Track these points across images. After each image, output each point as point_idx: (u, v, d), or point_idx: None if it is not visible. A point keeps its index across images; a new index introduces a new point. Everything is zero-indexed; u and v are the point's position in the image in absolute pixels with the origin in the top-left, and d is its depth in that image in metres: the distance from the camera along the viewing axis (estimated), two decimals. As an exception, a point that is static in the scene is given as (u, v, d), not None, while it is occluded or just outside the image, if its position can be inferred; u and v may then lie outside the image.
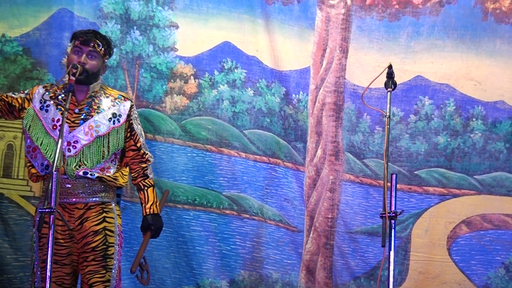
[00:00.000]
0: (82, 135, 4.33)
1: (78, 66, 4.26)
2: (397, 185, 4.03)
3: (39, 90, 4.43)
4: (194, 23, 5.50)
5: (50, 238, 3.82)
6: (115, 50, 5.39)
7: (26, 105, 4.42)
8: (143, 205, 4.53)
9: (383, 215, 3.89)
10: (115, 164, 4.46)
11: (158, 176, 5.45)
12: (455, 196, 5.44)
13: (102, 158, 4.37)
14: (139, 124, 4.58)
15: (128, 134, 4.50)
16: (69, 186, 4.31)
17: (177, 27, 5.52)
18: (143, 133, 4.61)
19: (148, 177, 4.57)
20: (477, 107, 5.44)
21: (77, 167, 4.30)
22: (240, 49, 5.52)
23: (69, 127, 4.32)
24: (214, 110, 5.53)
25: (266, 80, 5.53)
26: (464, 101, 5.45)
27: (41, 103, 4.39)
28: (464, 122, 5.45)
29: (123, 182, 4.49)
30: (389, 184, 3.98)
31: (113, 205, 4.44)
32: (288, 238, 5.53)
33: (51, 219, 3.82)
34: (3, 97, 4.41)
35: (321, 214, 5.50)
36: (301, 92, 5.54)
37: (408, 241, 5.41)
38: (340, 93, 5.52)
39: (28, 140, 4.39)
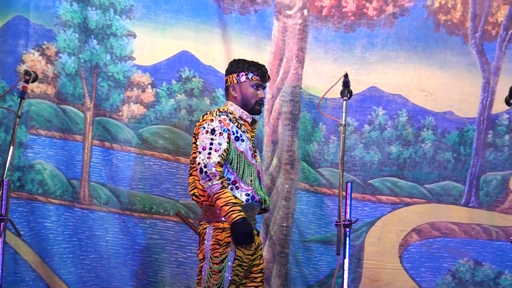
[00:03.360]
0: (259, 166, 4.31)
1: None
2: (352, 194, 3.93)
3: (229, 123, 4.18)
4: (152, 32, 5.34)
5: (1, 246, 3.63)
6: (73, 58, 5.22)
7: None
8: None
9: (338, 223, 3.79)
10: None
11: (115, 185, 5.29)
12: (407, 204, 5.37)
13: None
14: None
15: None
16: (254, 214, 4.25)
17: (134, 36, 5.35)
18: None
19: None
20: (428, 117, 5.39)
21: (269, 200, 4.34)
22: (198, 58, 5.37)
23: (254, 158, 4.26)
24: (172, 119, 5.36)
25: (222, 89, 5.36)
26: (416, 111, 5.39)
27: (233, 134, 4.19)
28: (415, 132, 5.39)
29: None
30: (344, 192, 3.87)
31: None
32: (244, 245, 5.37)
33: (1, 227, 3.61)
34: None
35: (276, 223, 5.38)
36: (257, 102, 5.38)
37: (361, 249, 5.33)
38: (296, 102, 5.41)
39: (228, 173, 4.16)
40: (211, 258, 4.07)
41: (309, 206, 5.37)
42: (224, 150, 4.09)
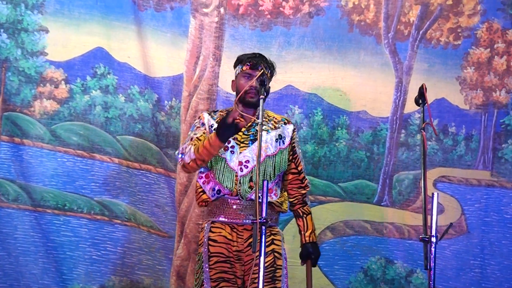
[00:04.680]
0: (253, 155, 4.11)
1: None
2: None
3: (206, 117, 4.23)
4: (65, 27, 5.20)
5: None
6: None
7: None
8: (302, 232, 4.30)
9: (254, 221, 3.75)
10: (278, 187, 4.24)
11: (26, 181, 5.14)
12: (321, 203, 5.37)
13: (270, 179, 4.17)
14: (300, 149, 4.36)
15: (290, 157, 4.27)
16: (238, 207, 4.12)
17: (47, 31, 5.20)
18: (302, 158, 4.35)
19: (306, 204, 4.33)
20: (342, 116, 5.40)
21: (250, 188, 4.10)
22: (112, 55, 5.25)
23: (240, 147, 4.12)
24: (86, 116, 5.24)
25: (138, 86, 5.29)
26: (330, 110, 5.39)
27: (210, 128, 4.17)
28: (330, 131, 5.40)
29: (286, 208, 4.29)
30: (260, 191, 3.83)
31: (278, 228, 4.26)
32: (159, 244, 5.31)
33: None
34: None
35: (192, 221, 5.31)
36: (173, 99, 5.33)
37: (276, 246, 5.29)
38: (213, 100, 5.36)
39: (203, 167, 4.15)
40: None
41: (225, 203, 5.33)
42: (198, 138, 4.12)
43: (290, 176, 4.29)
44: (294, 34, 5.36)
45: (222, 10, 5.35)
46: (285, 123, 4.29)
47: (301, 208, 4.31)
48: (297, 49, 5.37)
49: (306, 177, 4.33)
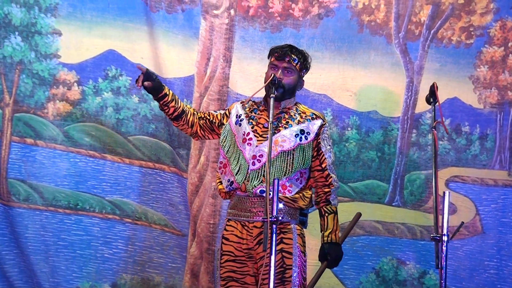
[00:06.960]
0: (267, 149, 4.00)
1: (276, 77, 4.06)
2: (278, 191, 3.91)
3: (236, 106, 4.25)
4: (78, 30, 5.31)
5: None
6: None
7: (224, 121, 4.24)
8: (322, 232, 4.15)
9: (265, 220, 3.78)
10: (299, 184, 4.13)
11: (38, 181, 5.26)
12: (331, 202, 5.37)
13: (284, 175, 4.06)
14: (329, 145, 4.20)
15: (315, 154, 4.15)
16: (249, 204, 4.09)
17: (60, 34, 5.31)
18: (332, 154, 4.22)
19: (330, 203, 4.16)
20: (352, 117, 5.40)
21: (257, 183, 4.05)
22: (125, 56, 5.34)
23: (257, 140, 4.09)
24: (98, 117, 5.34)
25: (152, 87, 5.36)
26: (340, 111, 5.41)
27: (236, 117, 4.18)
28: (340, 132, 5.41)
29: (303, 205, 4.12)
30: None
31: (293, 225, 4.11)
32: (173, 242, 5.39)
33: None
34: (205, 115, 4.28)
35: (203, 220, 5.37)
36: (185, 100, 5.39)
37: (285, 246, 5.33)
38: (223, 101, 5.42)
39: (221, 156, 4.18)
40: None
41: (236, 203, 5.38)
42: (210, 113, 4.27)
43: (316, 174, 4.16)
44: (303, 35, 5.39)
45: (232, 12, 5.40)
46: (312, 118, 4.16)
47: (323, 207, 4.15)
48: (306, 50, 5.37)
49: (332, 175, 4.16)
